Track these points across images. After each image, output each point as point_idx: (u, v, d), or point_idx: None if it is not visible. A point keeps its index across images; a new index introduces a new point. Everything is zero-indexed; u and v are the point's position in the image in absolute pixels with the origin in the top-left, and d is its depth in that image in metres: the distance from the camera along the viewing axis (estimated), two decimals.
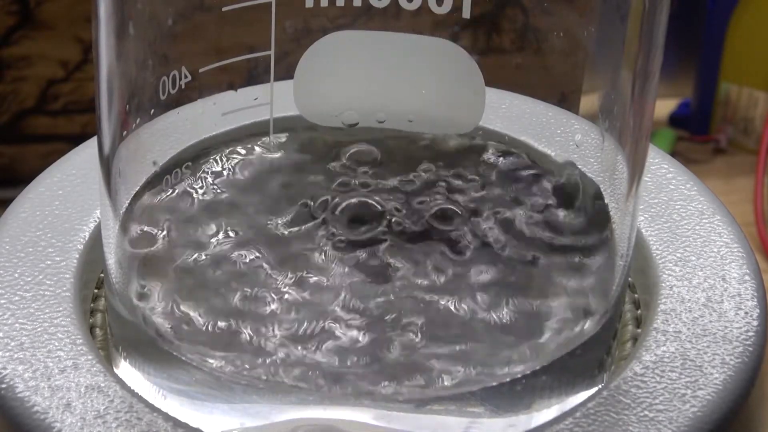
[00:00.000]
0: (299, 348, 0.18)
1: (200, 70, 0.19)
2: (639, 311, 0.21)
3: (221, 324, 0.19)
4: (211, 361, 0.18)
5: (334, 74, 0.19)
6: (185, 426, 0.18)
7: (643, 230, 0.22)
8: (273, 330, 0.19)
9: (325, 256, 0.20)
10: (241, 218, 0.21)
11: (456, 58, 0.18)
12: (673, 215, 0.23)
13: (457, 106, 0.19)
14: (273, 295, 0.19)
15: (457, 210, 0.21)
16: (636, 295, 0.22)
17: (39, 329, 0.20)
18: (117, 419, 0.18)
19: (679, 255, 0.22)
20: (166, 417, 0.18)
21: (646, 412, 0.18)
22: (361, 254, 0.20)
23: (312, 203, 0.21)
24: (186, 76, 0.19)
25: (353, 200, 0.21)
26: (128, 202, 0.20)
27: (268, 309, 0.19)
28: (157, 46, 0.18)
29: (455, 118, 0.19)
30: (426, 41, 0.18)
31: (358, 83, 0.19)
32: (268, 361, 0.18)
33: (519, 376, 0.18)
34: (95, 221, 0.22)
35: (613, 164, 0.20)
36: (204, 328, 0.19)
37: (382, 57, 0.19)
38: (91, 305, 0.22)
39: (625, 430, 0.18)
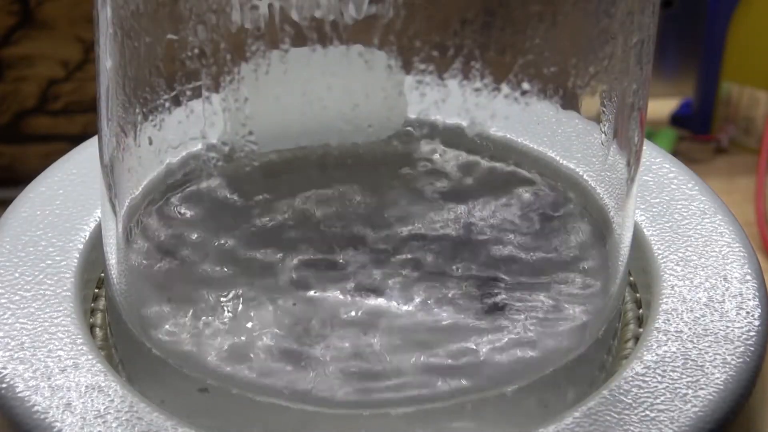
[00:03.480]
0: (306, 364, 0.18)
1: (202, 73, 0.19)
2: (640, 310, 0.21)
3: (221, 335, 0.19)
4: (208, 372, 0.18)
5: (279, 96, 0.19)
6: (187, 426, 0.18)
7: (644, 230, 0.22)
8: (273, 341, 0.19)
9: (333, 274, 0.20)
10: (246, 225, 0.21)
11: (376, 62, 0.18)
12: (675, 215, 0.23)
13: (386, 107, 0.19)
14: (276, 304, 0.19)
15: (450, 216, 0.21)
16: (637, 295, 0.22)
17: (39, 329, 0.20)
18: (117, 419, 0.18)
19: (680, 254, 0.22)
20: (168, 417, 0.18)
21: (648, 412, 0.18)
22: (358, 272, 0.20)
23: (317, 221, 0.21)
24: (188, 80, 0.19)
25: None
26: (129, 203, 0.20)
27: (270, 319, 0.19)
28: (158, 50, 0.18)
29: (385, 119, 0.19)
30: (345, 51, 0.18)
31: (299, 103, 0.19)
32: (266, 375, 0.18)
33: (520, 383, 0.18)
34: (96, 221, 0.22)
35: (612, 164, 0.20)
36: (203, 337, 0.19)
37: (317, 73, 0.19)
38: (92, 305, 0.22)
39: (626, 430, 0.18)
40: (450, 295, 0.20)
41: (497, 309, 0.19)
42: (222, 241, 0.20)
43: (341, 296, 0.20)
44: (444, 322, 0.19)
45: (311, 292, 0.20)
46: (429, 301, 0.19)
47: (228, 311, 0.19)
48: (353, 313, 0.19)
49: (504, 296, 0.20)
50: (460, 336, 0.19)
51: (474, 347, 0.19)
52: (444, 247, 0.20)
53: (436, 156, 0.22)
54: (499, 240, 0.21)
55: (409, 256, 0.20)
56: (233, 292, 0.20)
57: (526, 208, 0.21)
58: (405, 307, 0.19)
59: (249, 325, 0.19)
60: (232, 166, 0.20)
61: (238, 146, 0.19)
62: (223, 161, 0.20)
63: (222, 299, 0.20)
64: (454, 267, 0.20)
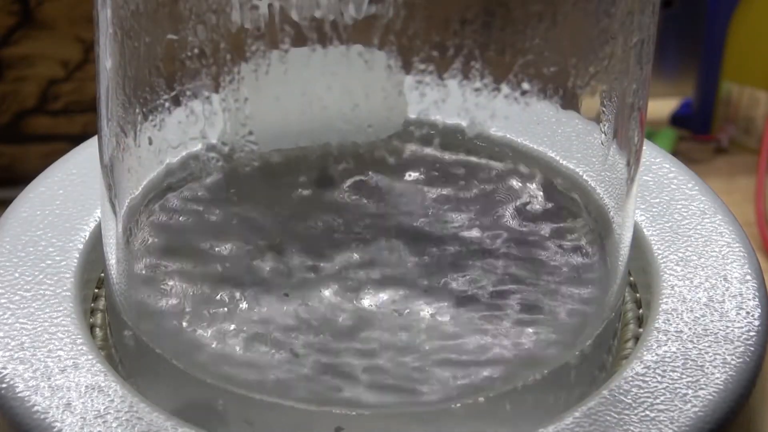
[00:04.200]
0: (303, 363, 0.18)
1: (202, 73, 0.19)
2: (640, 310, 0.21)
3: (221, 334, 0.19)
4: (208, 372, 0.18)
5: (279, 96, 0.19)
6: (187, 426, 0.18)
7: (644, 230, 0.22)
8: (274, 341, 0.19)
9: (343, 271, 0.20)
10: (248, 224, 0.21)
11: (376, 62, 0.18)
12: (675, 215, 0.23)
13: (386, 107, 0.19)
14: (276, 304, 0.19)
15: (449, 216, 0.21)
16: (637, 295, 0.22)
17: (39, 329, 0.20)
18: (117, 419, 0.18)
19: (680, 254, 0.22)
20: (168, 417, 0.18)
21: (648, 412, 0.18)
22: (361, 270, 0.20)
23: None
24: (188, 80, 0.19)
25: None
26: (129, 203, 0.20)
27: (271, 319, 0.19)
28: (158, 50, 0.18)
29: (384, 119, 0.19)
30: (345, 51, 0.18)
31: (299, 103, 0.19)
32: (266, 374, 0.18)
33: (520, 383, 0.18)
34: (96, 221, 0.22)
35: (612, 164, 0.20)
36: (203, 337, 0.19)
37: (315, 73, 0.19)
38: (92, 305, 0.22)
39: (626, 430, 0.18)
40: (447, 295, 0.20)
41: (495, 309, 0.19)
42: (222, 241, 0.20)
43: (342, 296, 0.20)
44: (441, 322, 0.19)
45: (312, 292, 0.20)
46: (426, 301, 0.19)
47: (228, 311, 0.19)
48: (354, 313, 0.19)
49: (503, 295, 0.20)
50: (457, 336, 0.19)
51: (471, 347, 0.19)
52: (442, 246, 0.20)
53: (435, 156, 0.22)
54: (498, 239, 0.21)
55: (408, 255, 0.20)
56: (233, 292, 0.20)
57: (525, 208, 0.21)
58: (403, 307, 0.19)
59: (249, 324, 0.19)
60: (232, 166, 0.20)
61: (238, 146, 0.19)
62: (223, 161, 0.20)
63: (222, 299, 0.20)
64: (452, 266, 0.20)
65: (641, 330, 0.21)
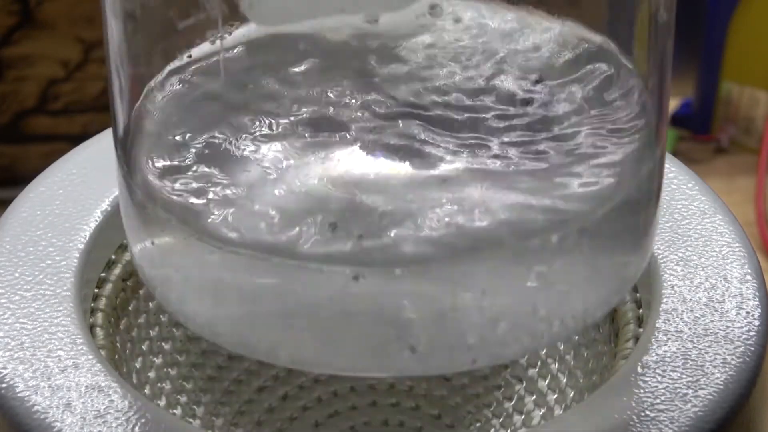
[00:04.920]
0: (327, 234, 0.18)
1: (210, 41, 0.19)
2: (640, 310, 0.21)
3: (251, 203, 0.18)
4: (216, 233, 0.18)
5: None
6: (186, 424, 0.18)
7: None
8: (279, 203, 0.18)
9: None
10: (263, 98, 0.20)
11: None
12: (675, 215, 0.23)
13: None
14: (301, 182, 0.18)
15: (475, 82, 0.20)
16: (637, 295, 0.22)
17: (39, 329, 0.20)
18: (117, 418, 0.18)
19: (680, 254, 0.22)
20: (166, 414, 0.18)
21: (648, 412, 0.18)
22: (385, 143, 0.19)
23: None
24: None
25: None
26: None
27: (298, 186, 0.18)
28: (164, 20, 0.18)
29: None
30: None
31: None
32: (291, 241, 0.17)
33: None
34: (96, 220, 0.22)
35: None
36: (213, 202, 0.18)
37: None
38: (92, 305, 0.22)
39: (626, 430, 0.18)
40: (475, 157, 0.18)
41: (525, 166, 0.18)
42: (239, 117, 0.19)
43: (366, 158, 0.19)
44: (470, 180, 0.18)
45: (322, 153, 0.19)
46: (455, 161, 0.18)
47: (251, 181, 0.18)
48: (367, 173, 0.18)
49: (534, 154, 0.19)
50: (484, 194, 0.18)
51: (496, 204, 0.18)
52: (470, 110, 0.19)
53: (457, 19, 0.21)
54: (530, 102, 0.20)
55: (432, 121, 0.19)
56: (251, 165, 0.19)
57: (554, 67, 0.20)
58: (432, 168, 0.18)
59: (273, 194, 0.18)
60: (244, 44, 0.19)
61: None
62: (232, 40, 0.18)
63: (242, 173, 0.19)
64: (479, 129, 0.19)
65: (641, 330, 0.21)
